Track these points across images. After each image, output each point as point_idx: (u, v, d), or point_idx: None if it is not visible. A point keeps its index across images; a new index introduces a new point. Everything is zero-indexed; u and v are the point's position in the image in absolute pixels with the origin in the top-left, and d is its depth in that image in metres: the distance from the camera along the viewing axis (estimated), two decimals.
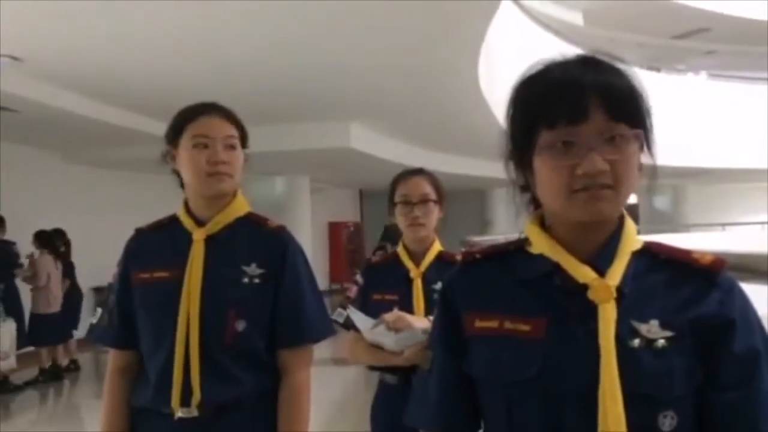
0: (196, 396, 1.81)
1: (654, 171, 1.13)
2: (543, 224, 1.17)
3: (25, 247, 8.60)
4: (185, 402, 1.82)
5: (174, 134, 1.93)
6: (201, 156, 1.87)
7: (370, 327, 2.20)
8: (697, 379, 1.05)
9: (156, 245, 1.98)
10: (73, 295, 9.13)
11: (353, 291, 2.62)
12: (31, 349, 8.61)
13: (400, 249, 2.57)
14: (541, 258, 1.14)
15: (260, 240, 1.96)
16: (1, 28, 5.46)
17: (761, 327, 1.10)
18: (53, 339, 8.68)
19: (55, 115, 8.02)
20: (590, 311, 1.07)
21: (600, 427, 1.01)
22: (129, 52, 6.52)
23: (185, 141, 1.90)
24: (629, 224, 1.14)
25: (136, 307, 1.94)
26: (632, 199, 1.15)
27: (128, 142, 9.81)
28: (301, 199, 14.49)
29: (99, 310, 2.04)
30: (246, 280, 1.89)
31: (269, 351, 1.92)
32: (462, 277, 1.24)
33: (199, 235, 1.91)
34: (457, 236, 11.88)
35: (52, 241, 8.73)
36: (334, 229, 19.91)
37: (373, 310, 2.34)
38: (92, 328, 2.04)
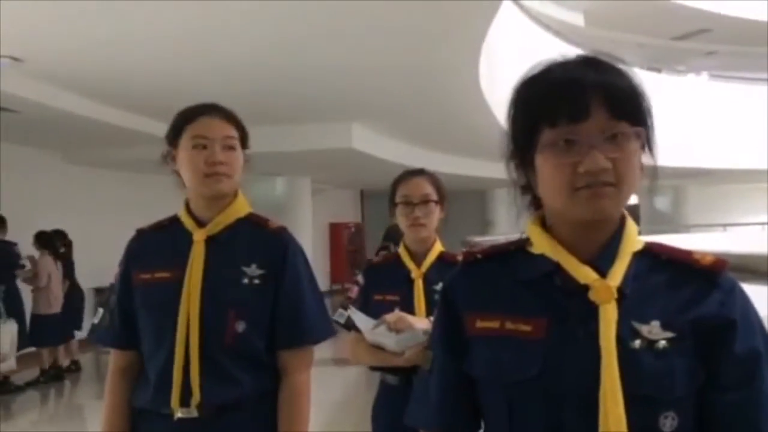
0: (196, 397, 1.81)
1: (655, 171, 1.13)
2: (544, 224, 1.17)
3: (26, 247, 8.60)
4: (185, 402, 1.82)
5: (174, 135, 1.94)
6: (199, 157, 1.87)
7: (371, 327, 2.21)
8: (698, 379, 1.05)
9: (157, 246, 1.99)
10: (73, 296, 9.13)
11: (354, 291, 2.62)
12: (32, 349, 8.61)
13: (401, 249, 2.57)
14: (542, 258, 1.14)
15: (261, 241, 1.96)
16: (1, 28, 5.46)
17: (762, 328, 1.09)
18: (54, 339, 8.69)
19: (56, 115, 8.02)
20: (591, 312, 1.07)
21: (601, 428, 1.01)
22: (129, 52, 6.52)
23: (184, 142, 1.90)
24: (630, 225, 1.14)
25: (137, 307, 1.95)
26: (633, 199, 1.15)
27: (128, 143, 9.81)
28: (302, 200, 14.49)
29: (100, 311, 2.04)
30: (246, 280, 1.89)
31: (269, 352, 1.92)
32: (463, 277, 1.24)
33: (199, 236, 1.91)
34: (458, 237, 11.87)
35: (53, 242, 8.73)
36: (335, 229, 19.91)
37: (374, 311, 2.34)
38: (93, 329, 2.04)
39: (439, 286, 2.11)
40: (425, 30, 6.37)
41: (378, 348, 2.22)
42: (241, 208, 1.99)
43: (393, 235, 2.71)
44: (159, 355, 1.87)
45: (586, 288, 1.08)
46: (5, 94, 7.02)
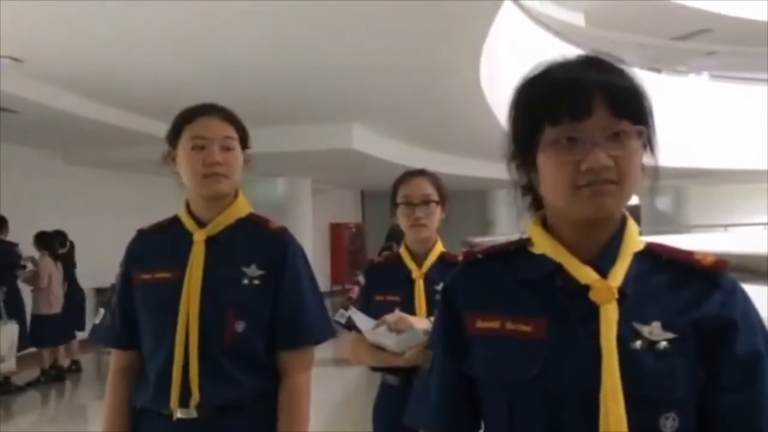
0: (195, 397, 1.81)
1: (656, 172, 1.13)
2: (545, 225, 1.17)
3: (26, 248, 8.60)
4: (184, 403, 1.82)
5: (173, 135, 1.94)
6: (197, 157, 1.87)
7: (372, 328, 2.21)
8: (699, 380, 1.05)
9: (157, 246, 1.99)
10: (74, 296, 9.14)
11: (355, 292, 2.62)
12: (32, 350, 8.62)
13: (402, 250, 2.57)
14: (542, 258, 1.14)
15: (261, 241, 1.96)
16: (1, 29, 5.47)
17: (763, 328, 1.09)
18: (54, 340, 8.69)
19: (56, 116, 8.03)
20: (592, 312, 1.06)
21: (601, 428, 1.01)
22: (129, 53, 6.52)
23: (183, 142, 1.90)
24: (631, 225, 1.14)
25: (138, 307, 1.95)
26: (634, 200, 1.15)
27: (128, 143, 9.81)
28: (303, 200, 14.50)
29: (102, 311, 2.05)
30: (246, 281, 1.89)
31: (269, 352, 1.92)
32: (463, 277, 1.24)
33: (199, 236, 1.92)
34: (459, 237, 11.87)
35: (52, 243, 8.74)
36: (336, 230, 19.91)
37: (375, 311, 2.34)
38: (95, 329, 2.04)
39: (440, 287, 2.11)
40: (426, 30, 6.37)
41: (378, 348, 2.22)
42: (241, 208, 1.99)
43: (396, 235, 2.71)
44: (159, 355, 1.87)
45: (586, 288, 1.08)
46: (5, 95, 7.02)
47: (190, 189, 1.94)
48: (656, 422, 1.03)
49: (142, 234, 2.05)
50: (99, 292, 10.34)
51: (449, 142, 13.11)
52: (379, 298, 2.50)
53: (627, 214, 1.14)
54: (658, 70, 17.72)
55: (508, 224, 19.23)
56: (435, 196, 2.49)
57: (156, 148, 2.08)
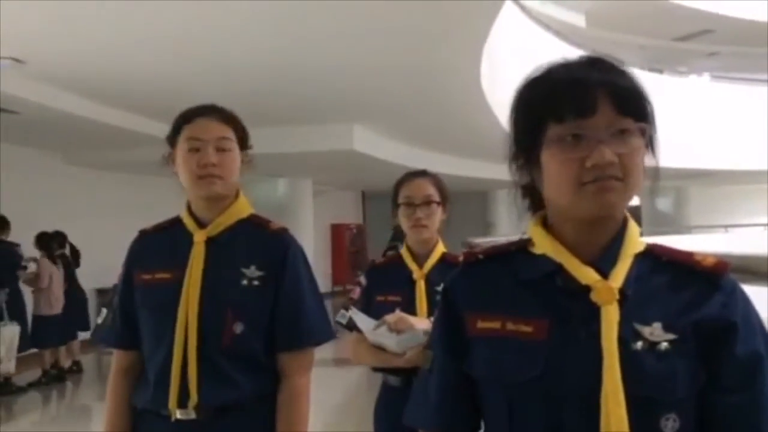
0: (193, 398, 1.81)
1: (657, 172, 1.13)
2: (546, 225, 1.17)
3: (26, 249, 8.61)
4: (182, 404, 1.82)
5: (173, 137, 1.94)
6: (193, 159, 1.87)
7: (372, 328, 2.21)
8: (699, 381, 1.05)
9: (158, 247, 1.99)
10: (74, 297, 9.14)
11: (356, 292, 2.63)
12: (33, 350, 8.63)
13: (403, 250, 2.58)
14: (543, 259, 1.14)
15: (260, 242, 1.96)
16: (1, 30, 5.47)
17: (763, 330, 1.09)
18: (55, 340, 8.70)
19: (56, 116, 8.04)
20: (593, 313, 1.06)
21: (602, 429, 1.01)
22: (129, 53, 6.53)
23: (181, 143, 1.91)
24: (632, 226, 1.14)
25: (138, 307, 1.95)
26: (635, 200, 1.16)
27: (129, 144, 9.82)
28: (304, 201, 14.52)
29: (104, 311, 2.05)
30: (245, 282, 1.89)
31: (268, 354, 1.92)
32: (463, 277, 1.24)
33: (199, 237, 1.92)
34: (459, 238, 11.87)
35: (51, 244, 8.74)
36: (337, 231, 19.91)
37: (377, 312, 2.34)
38: (97, 329, 2.05)
39: (441, 287, 2.11)
40: (426, 30, 6.37)
41: (379, 349, 2.22)
42: (242, 209, 1.99)
43: (400, 236, 2.71)
44: (158, 356, 1.87)
45: (587, 289, 1.08)
46: (6, 96, 7.03)
47: (188, 190, 1.94)
48: (657, 423, 1.03)
49: (143, 234, 2.05)
50: (100, 292, 10.35)
51: (450, 143, 13.12)
52: (380, 298, 2.50)
53: (628, 215, 1.15)
54: (660, 71, 17.73)
55: (509, 225, 19.26)
56: (436, 197, 2.49)
57: (156, 149, 2.08)
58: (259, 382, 1.89)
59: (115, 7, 5.26)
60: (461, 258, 1.26)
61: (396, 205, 2.55)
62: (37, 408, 7.95)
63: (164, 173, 2.00)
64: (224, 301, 1.87)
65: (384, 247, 8.13)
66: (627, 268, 1.10)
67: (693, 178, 18.52)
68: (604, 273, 1.08)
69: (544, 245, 1.15)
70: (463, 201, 17.21)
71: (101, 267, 8.57)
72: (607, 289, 1.07)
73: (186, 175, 1.89)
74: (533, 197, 1.20)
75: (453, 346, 1.20)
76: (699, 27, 20.01)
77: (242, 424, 1.86)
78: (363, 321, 2.25)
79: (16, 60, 6.42)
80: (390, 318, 2.18)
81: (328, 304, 2.12)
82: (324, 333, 1.99)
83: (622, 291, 1.07)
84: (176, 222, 2.00)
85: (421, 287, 2.46)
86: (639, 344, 1.05)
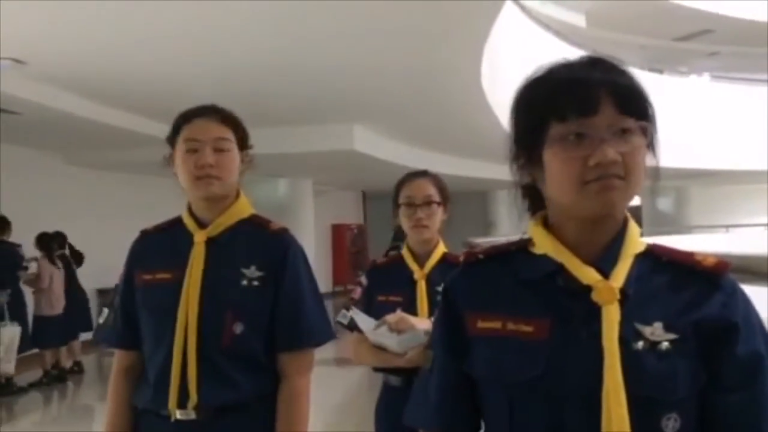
0: (193, 398, 1.81)
1: (657, 172, 1.13)
2: (546, 225, 1.17)
3: (27, 249, 8.61)
4: (182, 404, 1.82)
5: (172, 137, 1.94)
6: (191, 159, 1.87)
7: (373, 328, 2.21)
8: (700, 381, 1.05)
9: (159, 247, 1.99)
10: (75, 297, 9.14)
11: (357, 292, 2.63)
12: (34, 350, 8.63)
13: (404, 251, 2.58)
14: (544, 258, 1.14)
15: (261, 242, 1.96)
16: (2, 30, 5.47)
17: (763, 330, 1.10)
18: (56, 341, 8.70)
19: (56, 117, 8.04)
20: (594, 313, 1.07)
21: (603, 429, 1.01)
22: (130, 54, 6.53)
23: (179, 144, 1.91)
24: (633, 226, 1.14)
25: (139, 307, 1.95)
26: (635, 200, 1.16)
27: (129, 144, 9.82)
28: (304, 202, 14.52)
29: (105, 311, 2.06)
30: (244, 282, 1.89)
31: (268, 354, 1.92)
32: (464, 277, 1.24)
33: (200, 237, 1.92)
34: (460, 238, 11.88)
35: (52, 244, 8.74)
36: (338, 231, 19.91)
37: (378, 312, 2.34)
38: (99, 329, 2.05)
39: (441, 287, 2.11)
40: (426, 30, 6.38)
41: (380, 349, 2.22)
42: (243, 209, 1.99)
43: (402, 236, 2.72)
44: (158, 356, 1.87)
45: (588, 289, 1.08)
46: (6, 96, 7.03)
47: (187, 190, 1.94)
48: (658, 423, 1.03)
49: (144, 235, 2.05)
50: (101, 293, 10.36)
51: (450, 143, 13.12)
52: (381, 298, 2.50)
53: (628, 215, 1.15)
54: (660, 71, 17.73)
55: (510, 225, 19.28)
56: (437, 197, 2.50)
57: (156, 149, 2.08)
58: (259, 382, 1.89)
59: (115, 7, 5.26)
60: (462, 258, 1.26)
61: (397, 206, 2.55)
62: (38, 408, 7.95)
63: (165, 173, 2.00)
64: (224, 301, 1.87)
65: (385, 247, 8.13)
66: (628, 268, 1.10)
67: (693, 178, 18.52)
68: (605, 273, 1.08)
69: (545, 245, 1.15)
70: (464, 201, 17.24)
71: (102, 267, 8.57)
72: (608, 289, 1.07)
73: (184, 176, 1.89)
74: (533, 197, 1.20)
75: (453, 346, 1.20)
76: (699, 27, 20.01)
77: (242, 424, 1.86)
78: (364, 321, 2.25)
79: (17, 60, 6.42)
80: (391, 318, 2.18)
81: (329, 304, 2.12)
82: (324, 333, 1.99)
83: (622, 291, 1.07)
84: (177, 222, 2.00)
85: (422, 287, 2.46)
86: (640, 344, 1.05)
